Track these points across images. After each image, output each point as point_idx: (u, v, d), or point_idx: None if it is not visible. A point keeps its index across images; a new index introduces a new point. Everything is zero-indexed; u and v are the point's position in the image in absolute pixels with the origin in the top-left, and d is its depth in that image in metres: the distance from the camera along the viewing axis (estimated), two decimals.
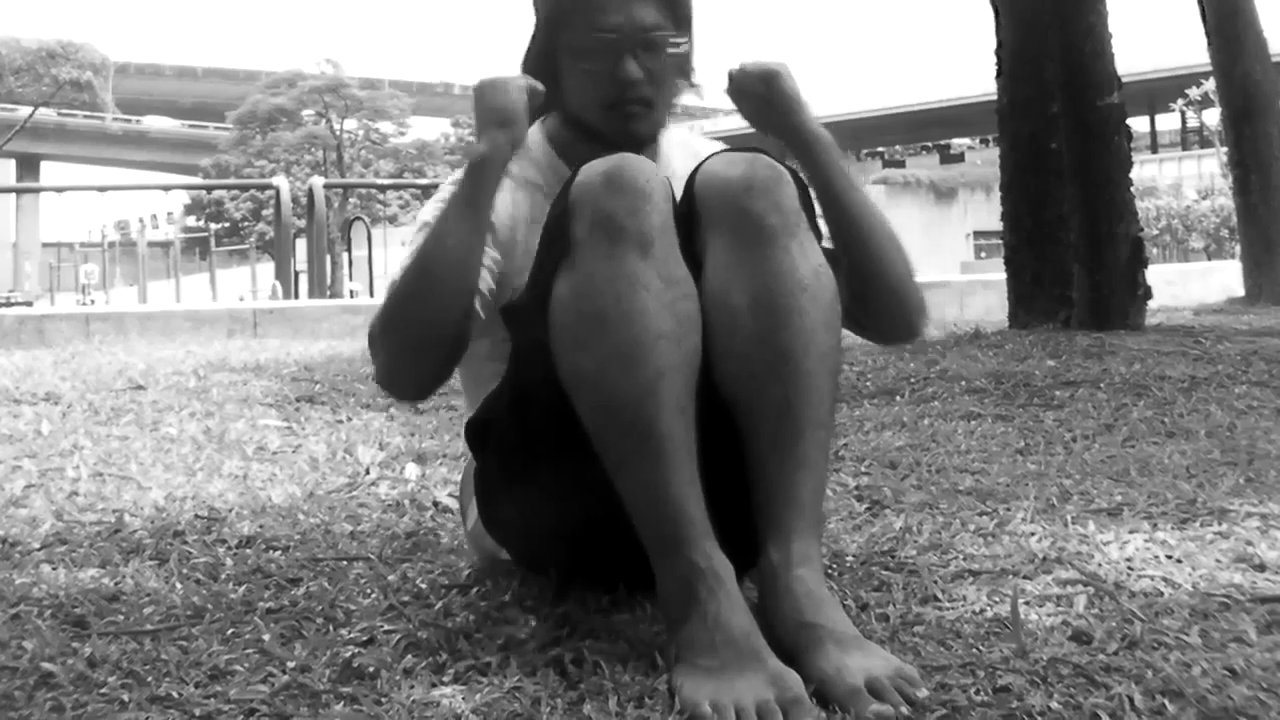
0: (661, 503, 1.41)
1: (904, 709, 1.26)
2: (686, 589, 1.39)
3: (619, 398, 1.42)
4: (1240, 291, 9.06)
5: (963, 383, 3.86)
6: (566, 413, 1.46)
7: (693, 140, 1.87)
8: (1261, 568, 1.76)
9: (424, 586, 1.77)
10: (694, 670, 1.32)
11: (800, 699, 1.26)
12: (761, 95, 1.72)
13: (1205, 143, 32.58)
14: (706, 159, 1.57)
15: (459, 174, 1.66)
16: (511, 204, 1.73)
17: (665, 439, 1.40)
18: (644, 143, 1.71)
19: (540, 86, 1.67)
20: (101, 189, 18.39)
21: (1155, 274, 5.95)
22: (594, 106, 1.70)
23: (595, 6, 1.67)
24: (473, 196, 1.62)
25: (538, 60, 1.72)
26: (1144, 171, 29.10)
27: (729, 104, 1.81)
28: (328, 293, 14.20)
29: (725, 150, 1.59)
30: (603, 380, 1.43)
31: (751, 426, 1.48)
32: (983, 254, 33.41)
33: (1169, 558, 1.83)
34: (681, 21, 1.71)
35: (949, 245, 36.03)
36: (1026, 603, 1.62)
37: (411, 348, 1.61)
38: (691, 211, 1.54)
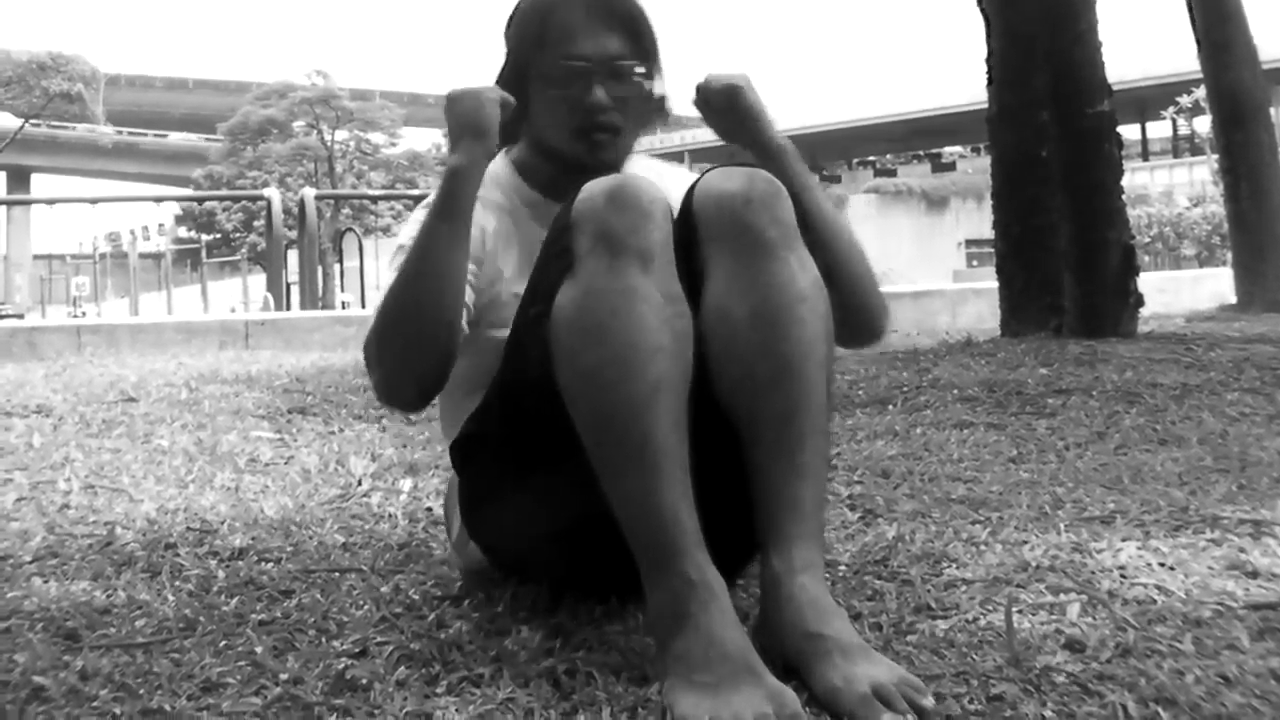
0: (654, 514, 1.40)
1: (911, 717, 1.26)
2: (678, 602, 1.37)
3: (616, 408, 1.42)
4: (1232, 298, 9.08)
5: (955, 391, 3.86)
6: (560, 423, 1.47)
7: (655, 166, 1.90)
8: (1254, 574, 1.76)
9: (417, 598, 1.77)
10: (689, 686, 1.30)
11: (798, 715, 1.25)
12: (725, 108, 1.77)
13: (1196, 150, 32.64)
14: (704, 174, 1.59)
15: (434, 195, 1.67)
16: (481, 218, 1.74)
17: (660, 451, 1.40)
18: (608, 168, 1.71)
19: (511, 99, 1.70)
20: (93, 201, 18.34)
21: (1147, 281, 5.96)
22: (562, 132, 1.74)
23: (565, 36, 1.72)
24: (451, 208, 1.64)
25: (507, 87, 1.73)
26: (1135, 179, 29.19)
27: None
28: (319, 304, 14.21)
29: (722, 165, 1.60)
30: (601, 390, 1.43)
31: (753, 435, 1.49)
32: (974, 262, 33.47)
33: (1162, 565, 1.83)
34: (647, 53, 1.76)
35: (941, 254, 36.10)
36: (1019, 611, 1.62)
37: (406, 360, 1.62)
38: (689, 225, 1.55)
